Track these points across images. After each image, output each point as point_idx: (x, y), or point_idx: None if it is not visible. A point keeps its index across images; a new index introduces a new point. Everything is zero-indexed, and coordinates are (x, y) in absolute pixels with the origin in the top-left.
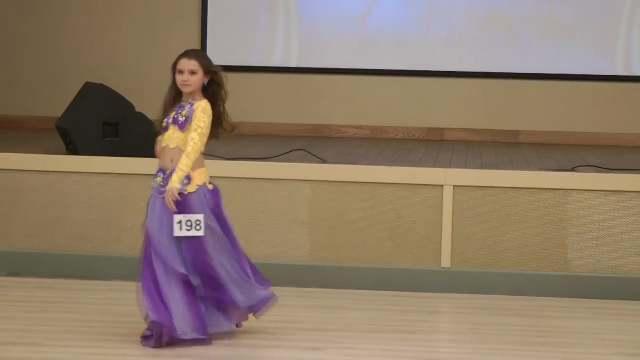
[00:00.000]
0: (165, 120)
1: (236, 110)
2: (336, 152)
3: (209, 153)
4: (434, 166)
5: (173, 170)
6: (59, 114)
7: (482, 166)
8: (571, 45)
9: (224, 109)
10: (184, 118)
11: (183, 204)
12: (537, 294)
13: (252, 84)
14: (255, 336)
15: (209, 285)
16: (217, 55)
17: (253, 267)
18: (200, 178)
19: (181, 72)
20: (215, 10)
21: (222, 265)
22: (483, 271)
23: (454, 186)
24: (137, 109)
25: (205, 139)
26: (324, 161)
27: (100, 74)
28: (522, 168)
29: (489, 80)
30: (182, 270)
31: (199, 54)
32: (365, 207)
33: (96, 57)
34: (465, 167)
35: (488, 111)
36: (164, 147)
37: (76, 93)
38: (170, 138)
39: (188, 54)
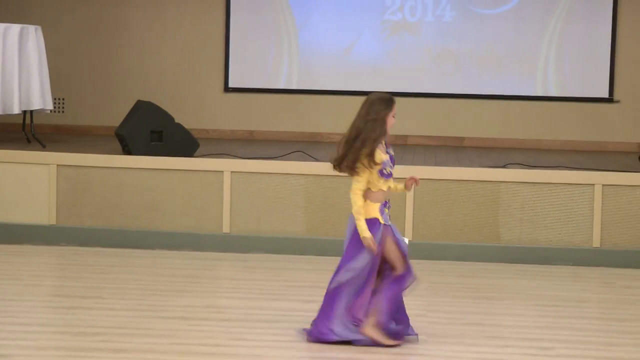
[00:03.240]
0: (387, 164)
1: (251, 121)
2: (326, 153)
3: (230, 153)
4: (399, 164)
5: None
6: (117, 124)
7: (436, 164)
8: (502, 73)
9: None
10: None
11: None
12: (476, 260)
13: (262, 101)
14: (265, 291)
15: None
16: (237, 79)
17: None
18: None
19: (394, 116)
20: (236, 45)
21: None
22: (436, 243)
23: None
24: (176, 120)
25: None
26: (316, 160)
27: (149, 93)
28: (466, 165)
29: (441, 99)
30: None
31: None
32: (347, 194)
33: (145, 81)
34: (423, 164)
35: (440, 122)
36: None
37: (130, 108)
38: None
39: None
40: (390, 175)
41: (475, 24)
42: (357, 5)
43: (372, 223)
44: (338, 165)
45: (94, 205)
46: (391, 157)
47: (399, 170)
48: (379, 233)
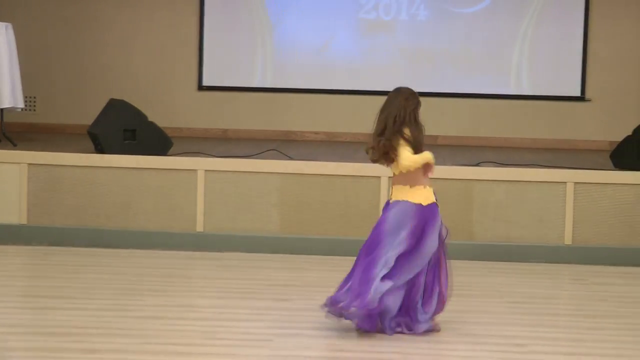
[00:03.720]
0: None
1: (225, 119)
2: (300, 151)
3: (204, 152)
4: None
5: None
6: (90, 122)
7: None
8: (476, 72)
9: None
10: None
11: None
12: (449, 258)
13: (236, 100)
14: (239, 290)
15: None
16: (211, 78)
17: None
18: None
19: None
20: (210, 43)
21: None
22: None
23: (389, 177)
24: (149, 119)
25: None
26: (290, 158)
27: (122, 91)
28: (439, 163)
29: None
30: None
31: None
32: (321, 193)
33: (118, 79)
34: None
35: None
36: None
37: (103, 107)
38: None
39: None
40: None
41: (450, 22)
42: (331, 4)
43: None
44: None
45: (66, 204)
46: None
47: (369, 169)
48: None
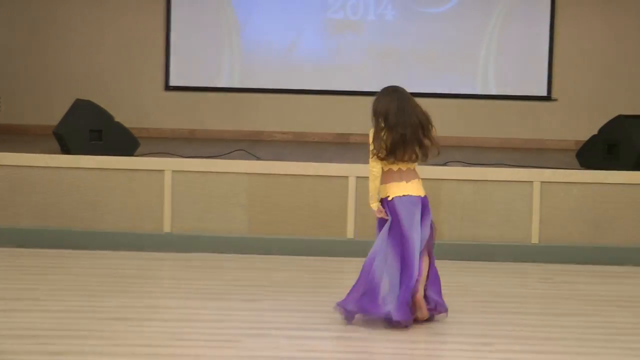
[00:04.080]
0: None
1: (192, 120)
2: (268, 151)
3: (171, 152)
4: (341, 162)
5: None
6: (56, 123)
7: None
8: (443, 71)
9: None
10: None
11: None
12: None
13: (204, 100)
14: (207, 291)
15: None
16: (178, 77)
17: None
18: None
19: None
20: (176, 43)
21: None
22: None
23: (357, 177)
24: (115, 119)
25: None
26: (258, 158)
27: (88, 92)
28: None
29: None
30: None
31: (374, 101)
32: (290, 193)
33: (84, 79)
34: (365, 163)
35: None
36: None
37: (69, 107)
38: None
39: None
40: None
41: (417, 22)
42: (299, 3)
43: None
44: None
45: (31, 205)
46: None
47: (337, 169)
48: None
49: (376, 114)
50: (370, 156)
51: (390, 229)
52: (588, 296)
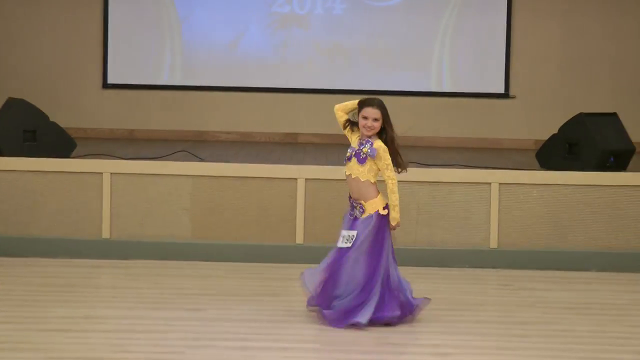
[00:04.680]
0: (350, 151)
1: (132, 119)
2: (212, 152)
3: (109, 154)
4: (289, 163)
5: (356, 200)
6: None
7: (327, 163)
8: (395, 68)
9: (396, 149)
10: (364, 155)
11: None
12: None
13: (143, 98)
14: (149, 299)
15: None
16: (116, 75)
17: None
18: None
19: (365, 117)
20: (115, 39)
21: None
22: (329, 246)
23: (305, 179)
24: (51, 119)
25: (392, 172)
26: (202, 160)
27: (21, 90)
28: None
29: (332, 95)
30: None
31: (382, 104)
32: (236, 196)
33: (17, 77)
34: (314, 164)
35: (331, 119)
36: (348, 175)
37: (0, 106)
38: (351, 168)
39: (372, 103)
40: (346, 160)
41: (367, 17)
42: None
43: None
44: None
45: None
46: (356, 152)
47: (285, 171)
48: None
49: (391, 125)
50: (391, 169)
51: (387, 239)
52: (549, 303)
